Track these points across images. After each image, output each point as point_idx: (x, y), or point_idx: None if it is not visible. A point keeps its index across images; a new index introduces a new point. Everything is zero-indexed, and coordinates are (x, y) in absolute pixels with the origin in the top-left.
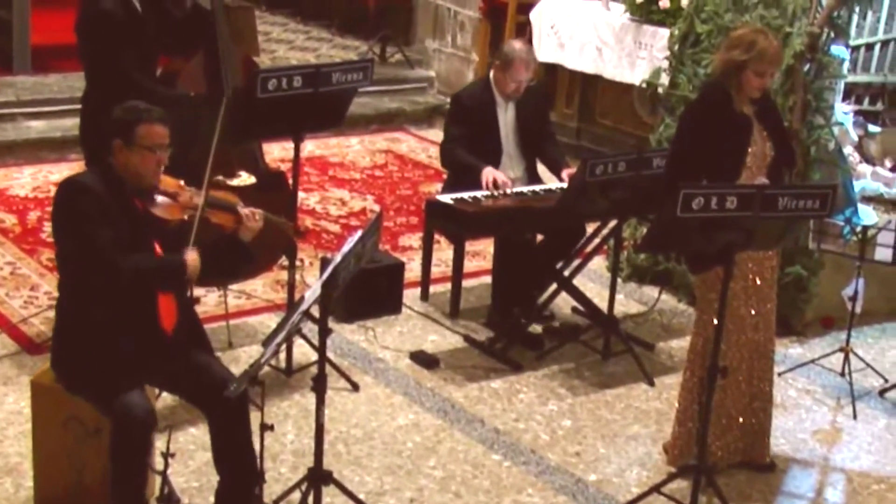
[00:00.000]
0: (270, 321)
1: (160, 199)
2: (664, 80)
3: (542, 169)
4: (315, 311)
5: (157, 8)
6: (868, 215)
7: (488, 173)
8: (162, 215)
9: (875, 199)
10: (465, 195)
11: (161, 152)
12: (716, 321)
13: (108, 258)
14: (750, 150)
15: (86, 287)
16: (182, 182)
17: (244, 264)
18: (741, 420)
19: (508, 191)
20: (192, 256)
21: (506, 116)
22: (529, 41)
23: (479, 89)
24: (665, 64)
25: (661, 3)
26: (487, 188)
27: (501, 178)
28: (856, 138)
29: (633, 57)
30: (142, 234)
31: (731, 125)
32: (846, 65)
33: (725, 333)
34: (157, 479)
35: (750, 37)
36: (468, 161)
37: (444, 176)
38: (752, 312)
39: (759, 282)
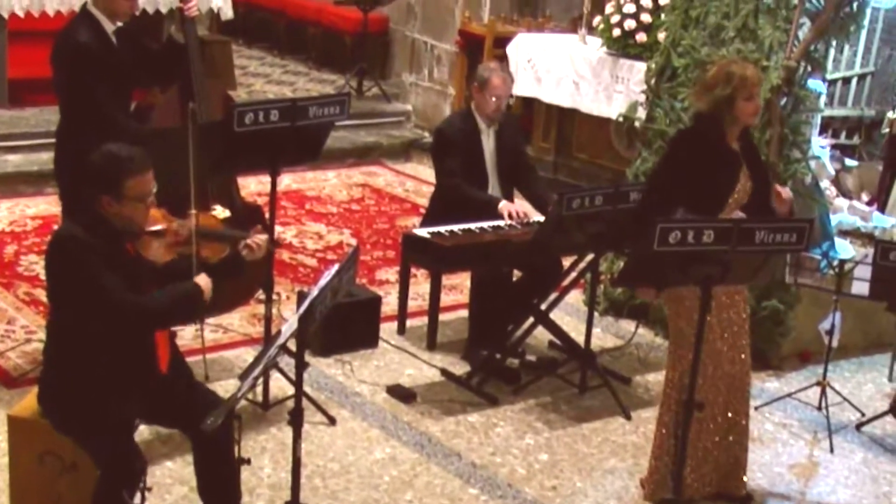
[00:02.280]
0: (247, 355)
1: (149, 240)
2: (641, 113)
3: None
4: (292, 345)
5: (133, 41)
6: (845, 249)
7: (506, 206)
8: (153, 257)
9: (852, 233)
10: (442, 229)
11: (151, 199)
12: (691, 355)
13: (127, 305)
14: (737, 186)
15: (88, 335)
16: (165, 212)
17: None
18: (716, 454)
19: (531, 220)
20: (203, 280)
21: (489, 144)
22: None
23: (460, 120)
24: (642, 98)
25: (637, 37)
26: (511, 219)
27: (519, 210)
28: (833, 172)
29: (610, 91)
30: (136, 278)
31: (721, 159)
32: (823, 98)
33: (701, 367)
34: None
35: (724, 70)
36: (481, 197)
37: (422, 210)
38: (728, 346)
39: (733, 315)
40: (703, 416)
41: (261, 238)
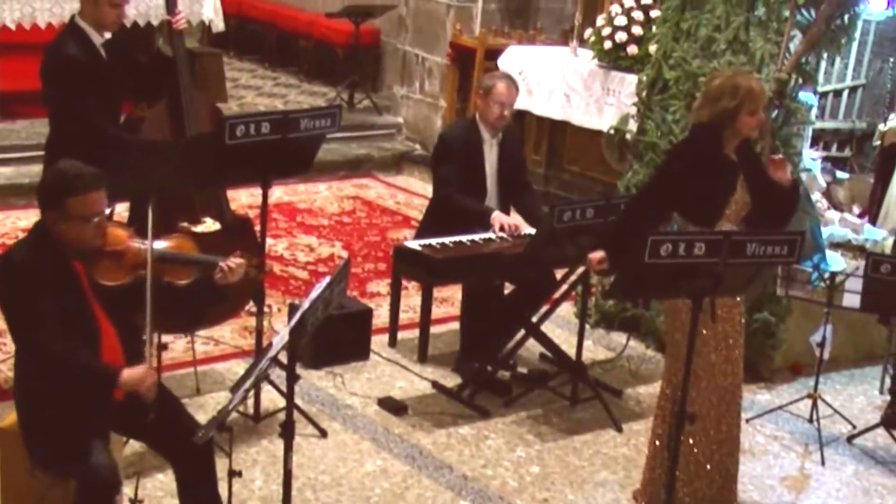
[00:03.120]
0: (238, 367)
1: (104, 261)
2: (632, 126)
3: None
4: (283, 358)
5: (122, 54)
6: (836, 261)
7: (498, 218)
8: (104, 280)
9: (843, 246)
10: (434, 241)
11: (98, 219)
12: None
13: (39, 341)
14: (733, 196)
15: (30, 361)
16: (132, 232)
17: (212, 310)
18: (709, 466)
19: (523, 232)
20: (129, 373)
21: (491, 155)
22: None
23: (465, 128)
24: (633, 110)
25: (629, 50)
26: (501, 231)
27: (511, 222)
28: (824, 184)
29: (601, 103)
30: (82, 300)
31: (719, 169)
32: (814, 111)
33: (694, 380)
34: None
35: (731, 82)
36: (473, 207)
37: (414, 222)
38: (721, 358)
39: (728, 328)
40: (694, 430)
41: (235, 262)
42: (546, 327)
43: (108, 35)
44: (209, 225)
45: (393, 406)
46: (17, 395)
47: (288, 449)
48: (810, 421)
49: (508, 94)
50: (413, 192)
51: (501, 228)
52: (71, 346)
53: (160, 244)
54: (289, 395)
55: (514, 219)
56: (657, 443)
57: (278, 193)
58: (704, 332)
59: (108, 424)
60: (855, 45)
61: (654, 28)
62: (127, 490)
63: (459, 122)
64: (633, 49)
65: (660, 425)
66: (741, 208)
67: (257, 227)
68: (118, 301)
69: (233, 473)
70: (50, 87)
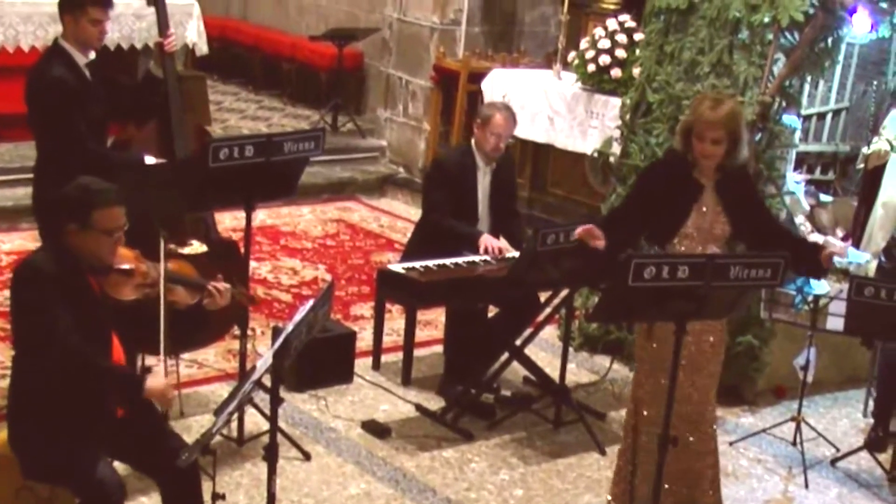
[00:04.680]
0: (222, 390)
1: (115, 277)
2: (616, 149)
3: None
4: (267, 381)
5: (107, 76)
6: (820, 284)
7: (485, 240)
8: (116, 295)
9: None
10: (417, 264)
11: (118, 234)
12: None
13: (70, 346)
14: (692, 217)
15: (42, 373)
16: (138, 253)
17: (199, 333)
18: (675, 488)
19: (507, 255)
20: (155, 382)
21: (484, 181)
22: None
23: (460, 154)
24: (617, 133)
25: (612, 73)
26: (489, 254)
27: (498, 245)
28: (807, 207)
29: (585, 126)
30: (97, 315)
31: (677, 186)
32: (798, 134)
33: (657, 399)
34: None
35: (697, 100)
36: (463, 229)
37: (397, 245)
38: (688, 384)
39: (694, 351)
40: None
41: (222, 285)
42: (530, 350)
43: (92, 55)
44: (196, 247)
45: (377, 429)
46: (13, 408)
47: (271, 472)
48: (794, 444)
49: (506, 126)
50: (397, 215)
51: (487, 251)
52: (94, 351)
53: (162, 266)
54: (272, 418)
55: (503, 243)
56: (621, 457)
57: (262, 216)
58: (662, 355)
59: (107, 442)
60: (838, 68)
61: (637, 51)
62: None
63: (456, 147)
64: (616, 72)
65: (623, 440)
66: (707, 234)
67: (242, 250)
68: (123, 319)
69: (216, 496)
70: (36, 110)
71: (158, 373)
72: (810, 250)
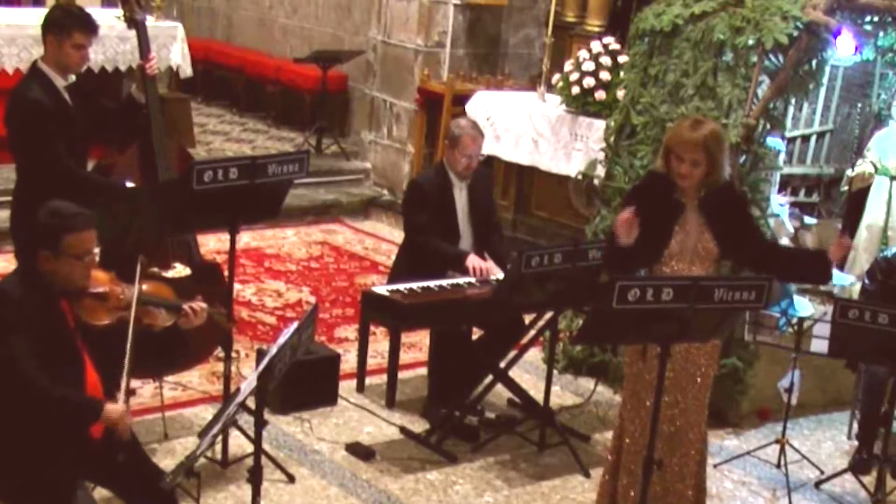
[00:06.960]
0: (206, 413)
1: (90, 301)
2: (600, 171)
3: None
4: (251, 403)
5: (88, 99)
6: (804, 307)
7: (472, 261)
8: (89, 319)
9: (811, 291)
10: (401, 286)
11: (89, 258)
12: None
13: (20, 371)
14: (676, 237)
15: (12, 396)
16: (113, 276)
17: (180, 356)
18: None
19: (492, 277)
20: (113, 408)
21: (461, 198)
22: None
23: (434, 174)
24: (601, 155)
25: (596, 95)
26: (475, 274)
27: (486, 265)
28: (792, 230)
29: (569, 148)
30: (69, 339)
31: (657, 207)
32: (782, 156)
33: (640, 424)
34: None
35: (678, 121)
36: (449, 250)
37: (382, 268)
38: (670, 406)
39: (680, 371)
40: (636, 472)
41: (198, 305)
42: (514, 372)
43: (72, 78)
44: (179, 270)
45: (361, 451)
46: None
47: (256, 494)
48: (778, 466)
49: (474, 145)
50: (381, 237)
51: (473, 272)
52: (53, 381)
53: (135, 290)
54: (256, 441)
55: (489, 264)
56: (606, 476)
57: (246, 239)
58: (648, 377)
59: (85, 468)
60: (823, 90)
61: (621, 73)
62: None
63: (429, 169)
64: (600, 94)
65: (607, 461)
66: (692, 252)
67: (226, 273)
68: (99, 343)
69: None
70: (16, 133)
71: (119, 399)
72: (812, 257)
